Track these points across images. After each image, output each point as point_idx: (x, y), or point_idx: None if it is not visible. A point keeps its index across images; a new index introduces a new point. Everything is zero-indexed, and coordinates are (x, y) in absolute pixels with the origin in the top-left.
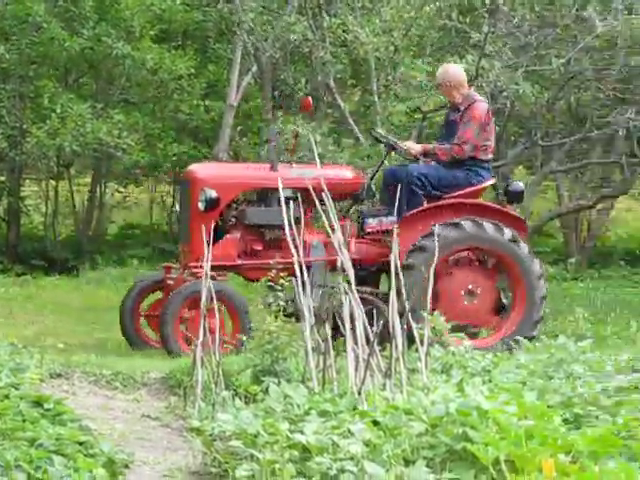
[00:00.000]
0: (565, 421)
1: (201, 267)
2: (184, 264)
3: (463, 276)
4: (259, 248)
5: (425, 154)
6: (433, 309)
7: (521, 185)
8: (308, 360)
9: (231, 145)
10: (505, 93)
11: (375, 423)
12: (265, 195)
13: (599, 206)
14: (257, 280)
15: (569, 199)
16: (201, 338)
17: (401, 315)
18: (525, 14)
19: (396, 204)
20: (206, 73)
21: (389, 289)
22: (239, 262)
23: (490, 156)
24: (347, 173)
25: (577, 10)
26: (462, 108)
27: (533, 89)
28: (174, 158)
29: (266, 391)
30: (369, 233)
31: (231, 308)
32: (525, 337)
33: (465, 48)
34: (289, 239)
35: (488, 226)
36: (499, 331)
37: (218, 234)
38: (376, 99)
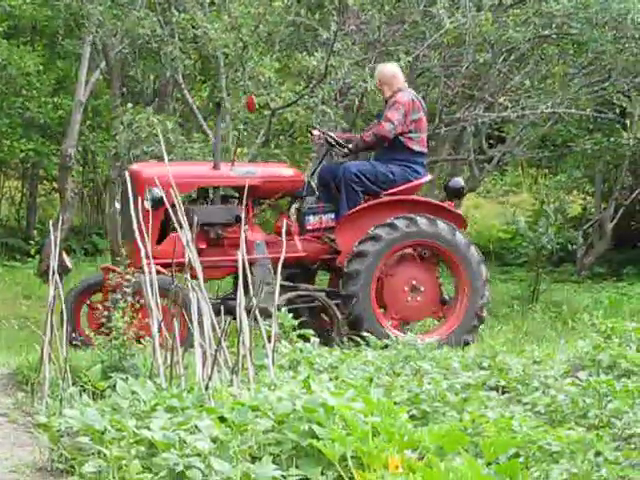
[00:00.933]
0: (412, 417)
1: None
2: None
3: (405, 273)
4: (203, 247)
5: (350, 141)
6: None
7: (461, 181)
8: (155, 356)
9: (80, 141)
10: (353, 90)
11: (222, 419)
12: (207, 194)
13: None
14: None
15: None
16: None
17: (248, 312)
18: (373, 12)
19: (341, 202)
20: (55, 69)
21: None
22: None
23: (424, 150)
24: (288, 171)
25: (425, 7)
26: (390, 101)
27: None
28: (22, 154)
29: (114, 387)
30: (310, 230)
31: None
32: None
33: (314, 45)
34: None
35: (422, 221)
36: (448, 320)
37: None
38: (225, 95)
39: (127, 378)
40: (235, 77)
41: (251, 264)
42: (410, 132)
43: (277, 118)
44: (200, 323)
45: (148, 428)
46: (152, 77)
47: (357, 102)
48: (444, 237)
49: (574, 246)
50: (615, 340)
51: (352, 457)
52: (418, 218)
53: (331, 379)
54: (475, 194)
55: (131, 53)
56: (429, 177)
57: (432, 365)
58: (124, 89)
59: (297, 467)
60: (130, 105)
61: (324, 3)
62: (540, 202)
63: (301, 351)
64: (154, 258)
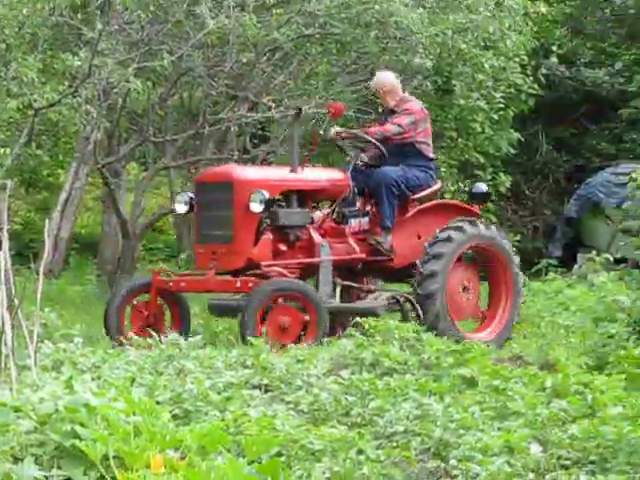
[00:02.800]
0: (174, 417)
1: (269, 267)
2: (221, 265)
3: (458, 274)
4: (284, 248)
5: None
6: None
7: (484, 187)
8: None
9: None
10: (117, 90)
11: None
12: (289, 197)
13: None
14: None
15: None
16: None
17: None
18: (137, 11)
19: (383, 206)
20: None
21: None
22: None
23: (434, 157)
24: (339, 175)
25: (189, 6)
26: (398, 109)
27: (145, 85)
28: None
29: None
30: (353, 233)
31: (308, 303)
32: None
33: (78, 45)
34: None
35: (480, 225)
36: (495, 319)
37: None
38: None
39: None
40: None
41: (316, 265)
42: (424, 140)
43: (40, 118)
44: None
45: None
46: None
47: (120, 101)
48: (498, 240)
49: None
50: (378, 338)
51: (114, 457)
52: (477, 222)
53: (93, 379)
54: None
55: None
56: (440, 183)
57: (195, 364)
58: None
59: (60, 468)
60: None
61: (88, 2)
62: None
63: (65, 351)
64: (251, 260)
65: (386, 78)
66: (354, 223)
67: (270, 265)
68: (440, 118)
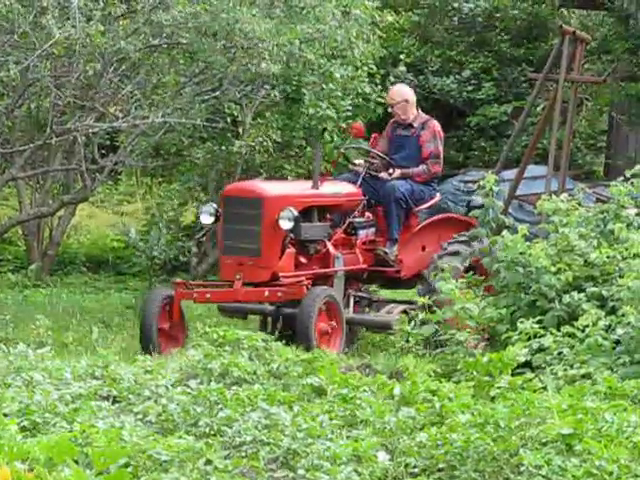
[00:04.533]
0: (22, 429)
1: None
2: (247, 277)
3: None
4: (304, 261)
5: (403, 176)
6: None
7: (481, 200)
8: None
9: None
10: None
11: None
12: (310, 211)
13: (60, 213)
14: None
15: (30, 206)
16: None
17: None
18: None
19: (391, 218)
20: None
21: None
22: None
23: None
24: (352, 188)
25: (35, 17)
26: (416, 125)
27: None
28: None
29: None
30: (362, 243)
31: (336, 311)
32: None
33: None
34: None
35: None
36: None
37: None
38: None
39: None
40: None
41: (331, 276)
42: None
43: None
44: None
45: None
46: None
47: None
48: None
49: (188, 255)
50: (227, 348)
51: None
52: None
53: None
54: (89, 204)
55: None
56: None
57: (44, 375)
58: None
59: None
60: None
61: None
62: (155, 212)
63: None
64: (275, 273)
65: (407, 90)
66: (362, 234)
67: (289, 276)
68: (289, 127)
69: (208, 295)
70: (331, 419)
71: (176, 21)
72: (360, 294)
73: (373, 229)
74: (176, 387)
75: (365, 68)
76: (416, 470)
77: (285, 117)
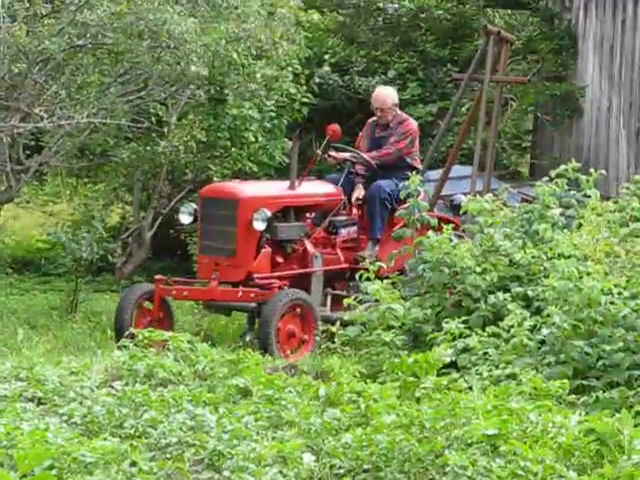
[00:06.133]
0: None
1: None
2: (223, 276)
3: None
4: (280, 260)
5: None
6: None
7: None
8: None
9: None
10: None
11: None
12: (287, 212)
13: None
14: None
15: None
16: None
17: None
18: None
19: (375, 217)
20: None
21: None
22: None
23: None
24: (331, 188)
25: None
26: (392, 125)
27: None
28: None
29: None
30: (342, 242)
31: (308, 314)
32: None
33: None
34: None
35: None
36: None
37: None
38: None
39: None
40: None
41: (310, 275)
42: (415, 154)
43: None
44: None
45: None
46: None
47: None
48: None
49: (114, 256)
50: (152, 349)
51: None
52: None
53: None
54: (14, 204)
55: None
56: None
57: None
58: None
59: None
60: None
61: None
62: (81, 212)
63: None
64: (251, 272)
65: (393, 94)
66: (343, 232)
67: (264, 277)
68: (213, 128)
69: (186, 293)
70: (256, 420)
71: (101, 21)
72: (338, 292)
73: (355, 227)
74: (101, 389)
75: (290, 68)
76: (341, 471)
77: (210, 117)
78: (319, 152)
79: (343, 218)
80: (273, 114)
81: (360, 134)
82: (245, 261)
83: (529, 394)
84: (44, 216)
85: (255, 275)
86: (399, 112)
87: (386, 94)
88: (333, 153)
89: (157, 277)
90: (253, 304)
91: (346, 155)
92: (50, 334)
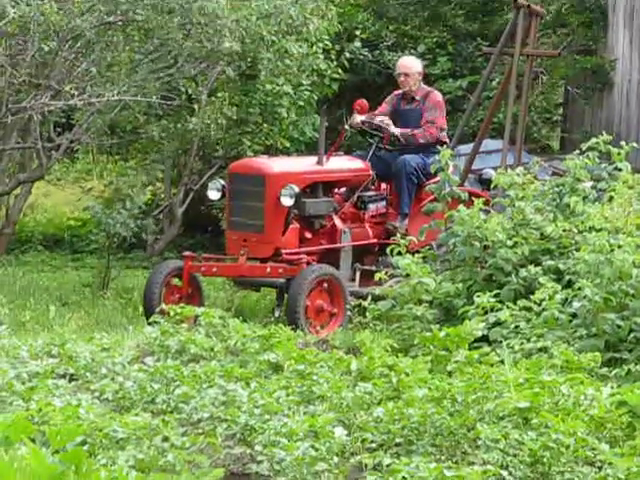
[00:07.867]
0: None
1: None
2: (252, 252)
3: None
4: (309, 236)
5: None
6: None
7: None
8: None
9: None
10: None
11: None
12: (315, 188)
13: (17, 191)
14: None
15: None
16: None
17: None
18: None
19: (403, 193)
20: None
21: None
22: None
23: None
24: (360, 164)
25: None
26: (418, 97)
27: None
28: None
29: None
30: (371, 217)
31: (336, 288)
32: None
33: None
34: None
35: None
36: None
37: None
38: None
39: None
40: None
41: (339, 250)
42: (443, 128)
43: None
44: None
45: None
46: None
47: None
48: None
49: (146, 233)
50: (184, 325)
51: None
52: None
53: None
54: (45, 182)
55: None
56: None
57: (0, 354)
58: None
59: None
60: None
61: None
62: (114, 189)
63: None
64: (279, 248)
65: (418, 63)
66: (372, 208)
67: (292, 253)
68: (245, 103)
69: (215, 269)
70: (288, 395)
71: None
72: (366, 267)
73: (383, 203)
74: (133, 364)
75: (320, 44)
76: (373, 445)
77: (241, 93)
78: (347, 127)
79: (371, 193)
80: (305, 90)
81: (383, 104)
82: (273, 237)
83: (560, 367)
84: (75, 193)
85: (283, 251)
86: (425, 86)
87: (411, 60)
88: (361, 118)
89: (185, 254)
90: (281, 280)
91: (393, 129)
92: (82, 311)
